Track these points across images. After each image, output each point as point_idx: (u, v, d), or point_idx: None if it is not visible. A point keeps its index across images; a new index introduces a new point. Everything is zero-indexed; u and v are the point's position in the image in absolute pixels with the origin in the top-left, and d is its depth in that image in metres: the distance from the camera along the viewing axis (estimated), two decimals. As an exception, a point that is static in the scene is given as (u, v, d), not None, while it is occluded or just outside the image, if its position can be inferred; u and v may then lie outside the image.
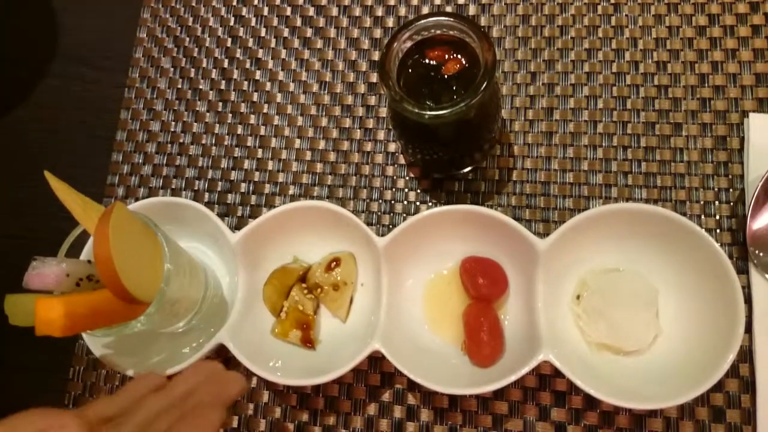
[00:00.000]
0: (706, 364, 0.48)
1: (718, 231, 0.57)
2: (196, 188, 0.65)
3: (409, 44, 0.51)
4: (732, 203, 0.58)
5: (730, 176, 0.58)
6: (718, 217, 0.57)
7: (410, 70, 0.52)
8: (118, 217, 0.43)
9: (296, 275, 0.57)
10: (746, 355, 0.54)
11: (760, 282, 0.54)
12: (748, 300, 0.54)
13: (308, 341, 0.56)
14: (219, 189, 0.65)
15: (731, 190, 0.58)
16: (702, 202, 0.58)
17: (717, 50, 0.61)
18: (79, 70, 0.71)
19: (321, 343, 0.57)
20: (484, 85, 0.47)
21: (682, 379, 0.49)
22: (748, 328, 0.54)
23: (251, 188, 0.64)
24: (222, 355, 0.59)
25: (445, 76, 0.51)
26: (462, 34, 0.50)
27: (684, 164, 0.59)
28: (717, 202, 0.58)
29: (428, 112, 0.48)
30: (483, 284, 0.54)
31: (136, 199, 0.65)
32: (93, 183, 0.66)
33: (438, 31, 0.51)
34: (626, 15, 0.63)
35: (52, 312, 0.42)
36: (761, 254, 0.54)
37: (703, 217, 0.58)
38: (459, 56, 0.51)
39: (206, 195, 0.65)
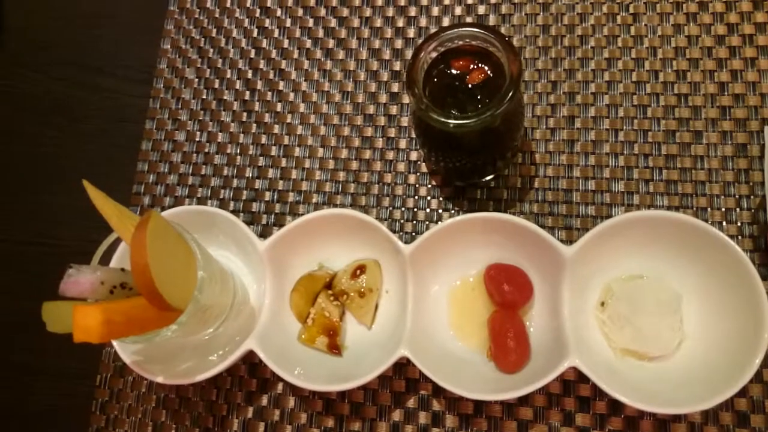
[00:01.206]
0: (731, 369, 0.48)
1: (739, 237, 0.58)
2: (221, 197, 0.66)
3: (434, 54, 0.52)
4: (753, 210, 0.58)
5: (751, 183, 0.59)
6: (739, 224, 0.58)
7: (435, 80, 0.53)
8: (154, 226, 0.44)
9: (322, 282, 0.58)
10: (769, 360, 0.54)
11: (783, 288, 0.54)
12: (771, 306, 0.54)
13: (335, 347, 0.57)
14: (244, 197, 0.65)
15: (752, 197, 0.58)
16: (723, 209, 0.58)
17: (736, 59, 0.62)
18: (101, 80, 0.73)
19: (347, 349, 0.57)
20: (510, 95, 0.48)
21: (707, 384, 0.49)
22: (772, 334, 0.54)
23: (276, 197, 0.65)
24: (249, 360, 0.60)
25: (470, 86, 0.52)
26: (486, 44, 0.51)
27: (705, 171, 0.60)
28: (738, 209, 0.58)
29: (454, 121, 0.49)
30: (508, 291, 0.54)
31: (162, 208, 0.66)
32: (116, 192, 0.67)
33: (463, 42, 0.52)
34: (645, 24, 0.64)
35: (90, 319, 0.43)
36: (784, 260, 0.54)
37: (724, 223, 0.58)
38: (483, 66, 0.52)
39: (231, 203, 0.66)
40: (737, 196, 0.59)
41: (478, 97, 0.52)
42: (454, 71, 0.52)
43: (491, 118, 0.48)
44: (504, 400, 0.56)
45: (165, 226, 0.46)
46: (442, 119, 0.49)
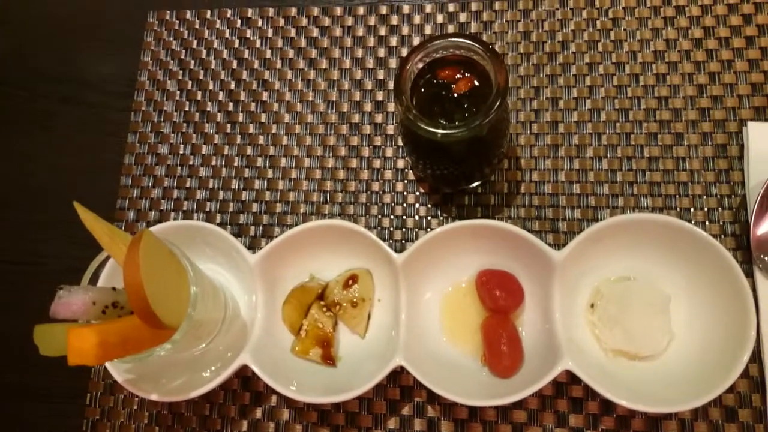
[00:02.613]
0: (720, 366, 0.50)
1: (722, 236, 0.59)
2: (207, 209, 0.65)
3: (421, 65, 0.52)
4: (734, 209, 0.59)
5: (731, 183, 0.60)
6: (721, 223, 0.59)
7: (422, 90, 0.53)
8: (146, 244, 0.43)
9: (314, 293, 0.58)
10: (755, 356, 0.55)
11: (766, 284, 0.56)
12: (755, 302, 0.56)
13: (329, 358, 0.57)
14: (231, 209, 0.65)
15: (733, 196, 0.60)
16: (706, 209, 0.60)
17: (713, 61, 0.63)
18: (82, 94, 0.72)
19: (341, 359, 0.58)
20: (497, 105, 0.48)
21: (696, 382, 0.50)
22: (756, 330, 0.55)
23: (263, 208, 0.65)
24: (242, 374, 0.60)
25: (456, 95, 0.52)
26: (472, 54, 0.51)
27: (686, 173, 0.61)
28: (720, 209, 0.60)
29: (441, 131, 0.49)
30: (500, 296, 0.55)
31: (147, 223, 0.66)
32: (101, 208, 0.66)
33: (449, 52, 0.52)
34: (625, 29, 0.65)
35: (85, 342, 0.42)
36: (766, 258, 0.56)
37: (707, 223, 0.59)
38: (469, 75, 0.52)
39: (218, 216, 0.65)
40: (719, 196, 0.60)
41: (465, 106, 0.52)
42: (440, 81, 0.53)
43: (479, 127, 0.48)
44: (499, 404, 0.56)
45: (157, 243, 0.46)
46: (430, 129, 0.49)
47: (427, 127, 0.49)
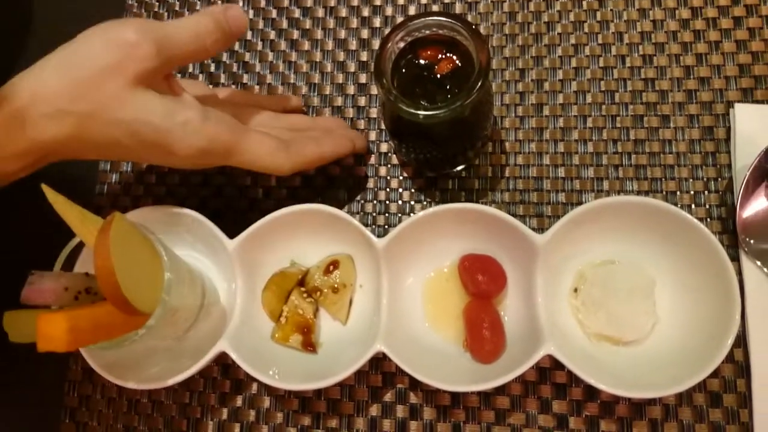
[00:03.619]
0: (704, 351, 0.49)
1: (708, 220, 0.58)
2: (184, 195, 0.64)
3: (402, 44, 0.51)
4: (720, 192, 0.59)
5: (718, 166, 0.59)
6: (707, 207, 0.59)
7: (404, 71, 0.52)
8: (118, 229, 0.42)
9: (295, 279, 0.57)
10: (740, 340, 0.55)
11: (751, 268, 0.55)
12: (741, 286, 0.55)
13: (309, 345, 0.56)
14: (204, 194, 0.64)
15: (719, 179, 0.59)
16: (692, 192, 0.59)
17: (701, 42, 0.62)
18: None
19: (322, 346, 0.57)
20: (478, 85, 0.47)
21: (681, 367, 0.50)
22: (741, 314, 0.55)
23: (240, 192, 0.64)
24: (222, 361, 0.59)
25: (438, 76, 0.51)
26: (454, 33, 0.50)
27: (673, 155, 0.60)
28: (706, 192, 0.59)
29: (423, 112, 0.48)
30: (482, 281, 0.54)
31: (124, 209, 0.64)
32: (78, 194, 0.64)
33: (430, 31, 0.51)
34: (611, 10, 0.64)
35: (54, 328, 0.41)
36: (752, 241, 0.55)
37: (693, 206, 0.59)
38: (452, 55, 0.51)
39: (195, 200, 0.64)
40: (705, 179, 0.59)
41: (447, 87, 0.51)
42: (422, 61, 0.52)
43: (461, 108, 0.47)
44: (481, 390, 0.56)
45: (129, 228, 0.45)
46: (412, 110, 0.48)
47: (408, 109, 0.48)
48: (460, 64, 0.51)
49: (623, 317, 0.52)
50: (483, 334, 0.53)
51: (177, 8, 0.70)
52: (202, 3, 0.70)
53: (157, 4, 0.71)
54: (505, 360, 0.53)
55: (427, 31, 0.51)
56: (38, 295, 0.44)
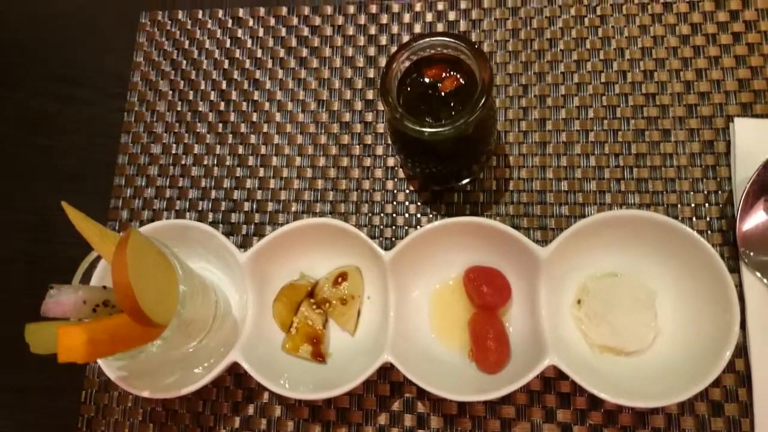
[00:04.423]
0: (705, 361, 0.50)
1: (709, 232, 0.59)
2: (200, 209, 0.66)
3: (407, 64, 0.53)
4: (721, 205, 0.60)
5: (718, 179, 0.60)
6: (708, 219, 0.60)
7: (409, 89, 0.54)
8: (134, 244, 0.44)
9: (304, 291, 0.59)
10: (741, 350, 0.56)
11: (751, 280, 0.56)
12: (741, 298, 0.56)
13: (319, 355, 0.57)
14: (223, 209, 0.66)
15: (720, 192, 0.60)
16: (693, 205, 0.60)
17: (700, 58, 0.64)
18: (76, 95, 0.73)
19: (331, 356, 0.58)
20: (482, 103, 0.49)
21: (682, 377, 0.51)
22: (742, 325, 0.56)
23: (254, 207, 0.66)
24: (234, 371, 0.60)
25: (443, 94, 0.53)
26: (457, 53, 0.52)
27: (674, 169, 0.61)
28: (707, 205, 0.60)
29: (428, 129, 0.49)
30: (487, 293, 0.55)
31: (141, 222, 0.66)
32: (95, 207, 0.67)
33: (435, 50, 0.53)
34: (612, 26, 0.66)
35: (74, 339, 0.43)
36: (752, 253, 0.56)
37: (694, 219, 0.60)
38: (455, 74, 0.53)
39: (210, 215, 0.66)
40: (706, 192, 0.60)
41: (452, 105, 0.52)
42: (427, 79, 0.53)
43: (465, 125, 0.49)
44: (486, 399, 0.57)
45: (144, 243, 0.46)
46: (417, 128, 0.49)
47: (413, 126, 0.50)
48: (463, 82, 0.53)
49: (625, 329, 0.54)
50: (488, 344, 0.54)
51: (189, 26, 0.72)
52: (213, 21, 0.72)
53: (170, 23, 0.73)
54: (510, 370, 0.54)
55: (432, 51, 0.53)
56: (57, 308, 0.46)
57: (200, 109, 0.69)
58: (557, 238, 0.53)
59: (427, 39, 0.52)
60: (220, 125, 0.68)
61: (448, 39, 0.51)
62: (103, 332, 0.45)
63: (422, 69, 0.54)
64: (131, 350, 0.48)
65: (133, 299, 0.43)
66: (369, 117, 0.67)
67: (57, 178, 0.70)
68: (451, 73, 0.53)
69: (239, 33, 0.71)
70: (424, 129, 0.49)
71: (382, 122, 0.66)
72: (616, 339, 0.54)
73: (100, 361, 0.55)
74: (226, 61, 0.71)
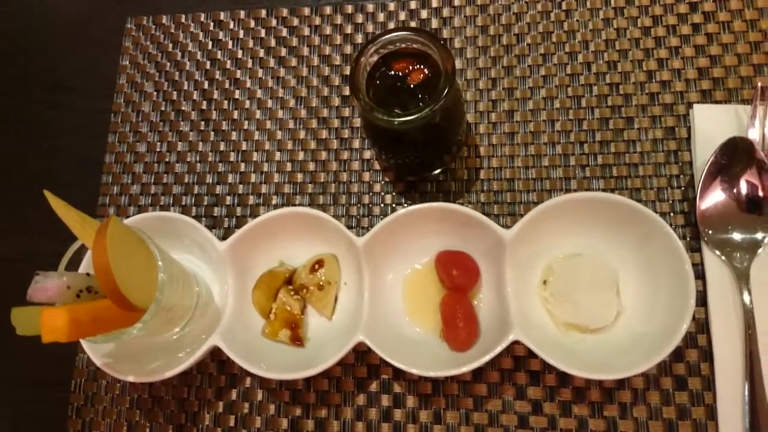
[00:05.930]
0: (665, 334, 0.52)
1: (671, 214, 0.62)
2: (183, 203, 0.69)
3: (375, 58, 0.55)
4: (683, 188, 0.62)
5: (680, 163, 0.63)
6: (671, 202, 0.62)
7: (378, 82, 0.56)
8: (113, 230, 0.46)
9: (283, 278, 0.61)
10: (703, 326, 0.58)
11: (711, 258, 0.58)
12: (702, 276, 0.58)
13: (297, 339, 0.59)
14: (206, 203, 0.68)
15: (681, 176, 0.62)
16: (655, 189, 0.62)
17: (661, 48, 0.66)
18: (64, 97, 0.75)
19: (309, 340, 0.60)
20: (446, 91, 0.51)
21: (644, 350, 0.53)
22: (704, 302, 0.58)
23: (236, 200, 0.68)
24: (217, 357, 0.63)
25: (411, 86, 0.55)
26: (423, 47, 0.54)
27: (637, 155, 0.64)
28: (669, 188, 0.62)
29: (397, 119, 0.52)
30: (457, 275, 0.58)
31: (127, 217, 0.69)
32: (84, 204, 0.69)
33: (402, 45, 0.55)
34: (577, 20, 0.68)
35: (57, 320, 0.45)
36: (710, 232, 0.58)
37: (657, 202, 0.62)
38: (422, 66, 0.55)
39: (194, 209, 0.68)
40: (668, 176, 0.63)
41: (420, 96, 0.55)
42: (395, 73, 0.56)
43: (431, 113, 0.51)
44: (458, 376, 0.59)
45: (124, 230, 0.49)
46: (386, 117, 0.52)
47: (382, 116, 0.52)
48: (430, 74, 0.55)
49: (588, 306, 0.56)
50: (457, 324, 0.56)
51: (172, 30, 0.75)
52: (196, 25, 0.75)
53: (154, 27, 0.76)
54: (479, 348, 0.56)
55: (399, 45, 0.55)
56: (42, 293, 0.48)
57: (183, 108, 0.72)
58: (520, 220, 0.55)
59: (393, 34, 0.54)
60: (203, 123, 0.71)
61: (410, 33, 0.54)
62: (85, 314, 0.47)
63: (390, 63, 0.56)
64: (113, 332, 0.50)
65: (112, 281, 0.45)
66: (346, 112, 0.69)
67: (48, 178, 0.73)
68: (418, 66, 0.56)
69: (220, 35, 0.74)
70: (393, 119, 0.52)
71: (358, 117, 0.69)
72: (580, 316, 0.56)
73: (86, 347, 0.57)
74: (208, 62, 0.73)
